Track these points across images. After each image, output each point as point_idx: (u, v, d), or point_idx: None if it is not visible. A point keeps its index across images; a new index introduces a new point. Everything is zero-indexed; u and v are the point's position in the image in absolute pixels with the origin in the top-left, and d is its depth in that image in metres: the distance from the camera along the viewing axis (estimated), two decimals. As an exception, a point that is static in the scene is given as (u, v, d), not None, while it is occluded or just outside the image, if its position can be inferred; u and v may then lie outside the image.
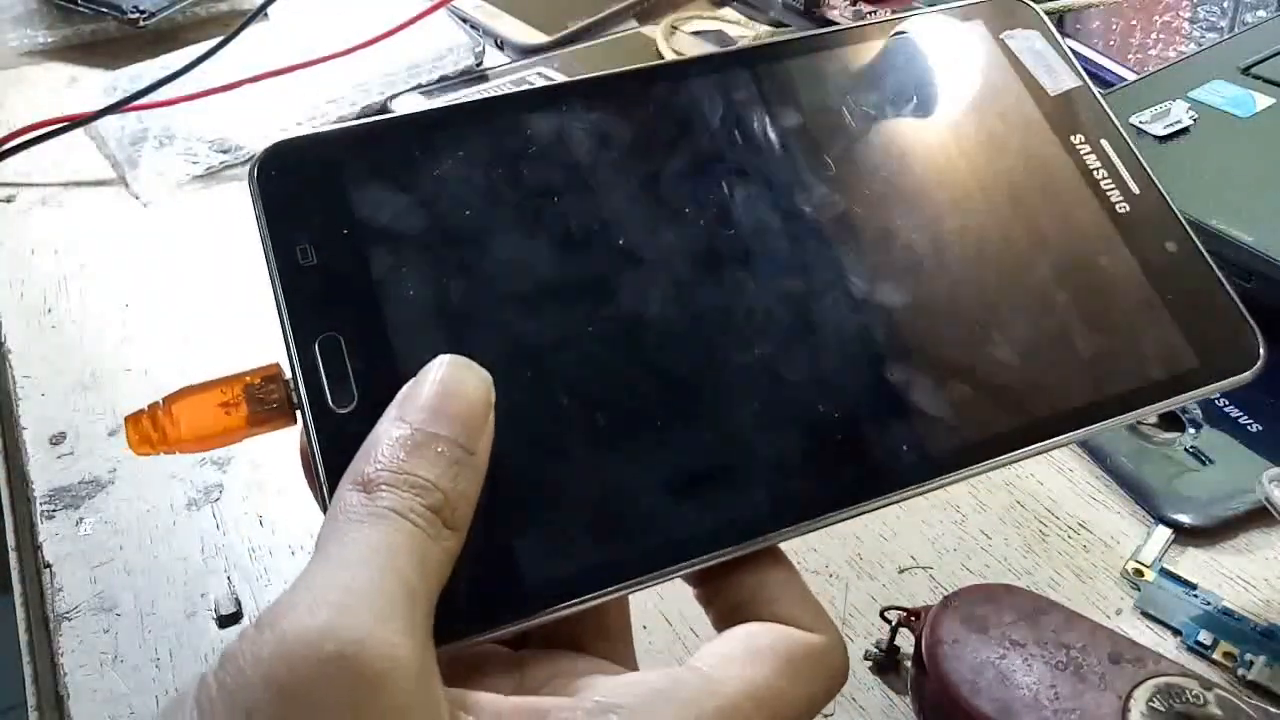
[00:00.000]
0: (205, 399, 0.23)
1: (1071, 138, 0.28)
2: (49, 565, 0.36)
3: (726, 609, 0.23)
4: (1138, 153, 0.27)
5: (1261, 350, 0.25)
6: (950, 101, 0.28)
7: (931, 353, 0.24)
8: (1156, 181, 0.27)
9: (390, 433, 0.21)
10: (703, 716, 0.20)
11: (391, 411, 0.21)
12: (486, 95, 0.27)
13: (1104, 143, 0.27)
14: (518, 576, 0.21)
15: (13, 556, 0.40)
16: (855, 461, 0.23)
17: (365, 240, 0.23)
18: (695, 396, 0.23)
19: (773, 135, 0.27)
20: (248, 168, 0.24)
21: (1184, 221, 0.27)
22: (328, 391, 0.22)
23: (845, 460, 0.23)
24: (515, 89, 0.27)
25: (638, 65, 0.27)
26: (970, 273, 0.26)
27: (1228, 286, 0.26)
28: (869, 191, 0.26)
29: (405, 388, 0.21)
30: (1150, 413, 0.25)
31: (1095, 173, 0.27)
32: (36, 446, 0.40)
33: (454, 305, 0.23)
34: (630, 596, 0.25)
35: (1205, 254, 0.26)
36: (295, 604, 0.18)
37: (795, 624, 0.22)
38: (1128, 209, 0.27)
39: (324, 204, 0.24)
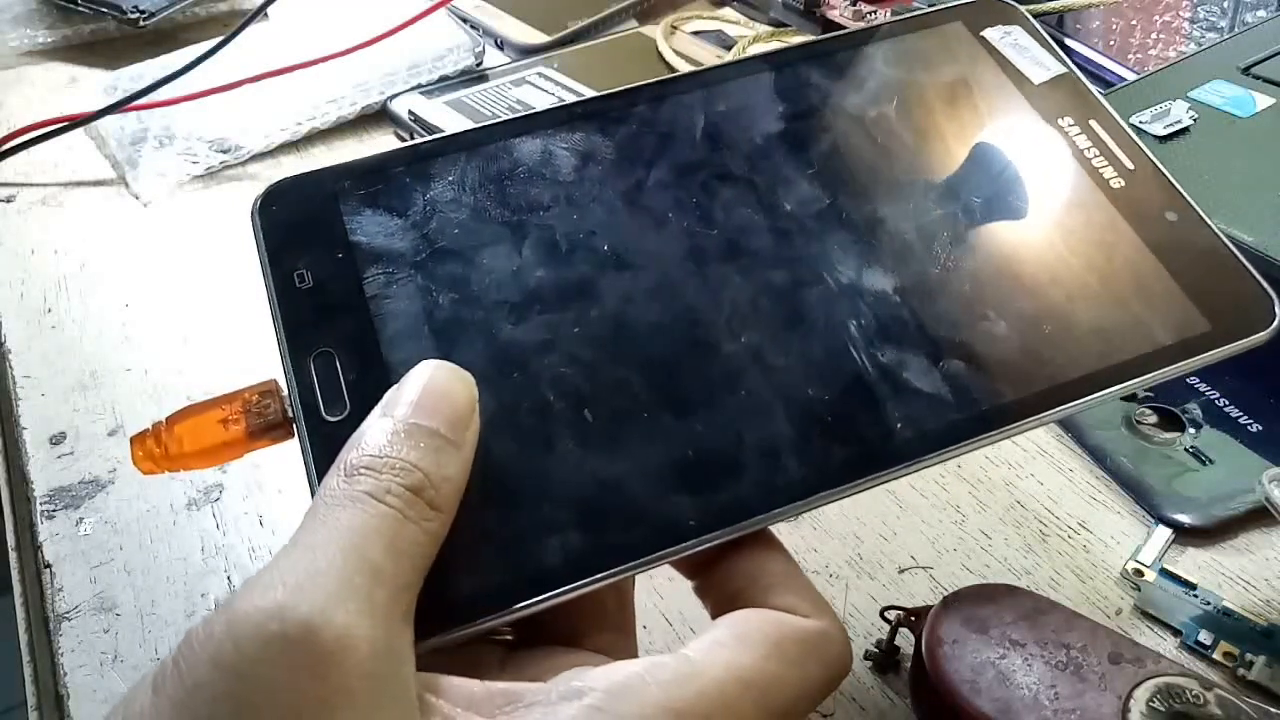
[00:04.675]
0: (206, 417, 0.24)
1: (1060, 121, 0.28)
2: (49, 565, 0.36)
3: (722, 599, 0.23)
4: (1129, 130, 0.28)
5: (1277, 310, 0.25)
6: (933, 96, 0.29)
7: (925, 334, 0.25)
8: (1151, 156, 0.27)
9: (375, 425, 0.21)
10: (682, 699, 0.19)
11: (377, 409, 0.22)
12: (465, 128, 0.28)
13: (1093, 123, 0.28)
14: (499, 570, 0.22)
15: (13, 556, 0.40)
16: (847, 441, 0.23)
17: (357, 263, 0.25)
18: (682, 385, 0.24)
19: (759, 139, 0.28)
20: (250, 206, 0.25)
21: (1183, 192, 0.27)
22: (321, 403, 0.23)
23: (836, 440, 0.23)
24: (500, 118, 0.28)
25: (609, 91, 0.29)
26: (963, 257, 0.26)
27: (1234, 251, 0.26)
28: (858, 188, 0.27)
29: (391, 389, 0.22)
30: (1163, 377, 0.24)
31: (1086, 152, 0.27)
32: (36, 446, 0.40)
33: (442, 318, 0.24)
34: (632, 597, 0.25)
35: (1208, 221, 0.26)
36: (254, 585, 0.18)
37: (791, 611, 0.22)
38: (1123, 184, 0.27)
39: (318, 233, 0.25)
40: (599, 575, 0.22)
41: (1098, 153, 0.27)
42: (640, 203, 0.27)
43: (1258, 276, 0.26)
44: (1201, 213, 0.26)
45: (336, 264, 0.25)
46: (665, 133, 0.28)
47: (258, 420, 0.23)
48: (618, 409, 0.23)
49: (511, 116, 0.28)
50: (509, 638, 0.24)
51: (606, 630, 0.24)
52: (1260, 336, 0.25)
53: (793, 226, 0.26)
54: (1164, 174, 0.27)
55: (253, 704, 0.17)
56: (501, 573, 0.22)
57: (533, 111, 0.28)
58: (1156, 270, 0.26)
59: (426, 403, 0.22)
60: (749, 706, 0.20)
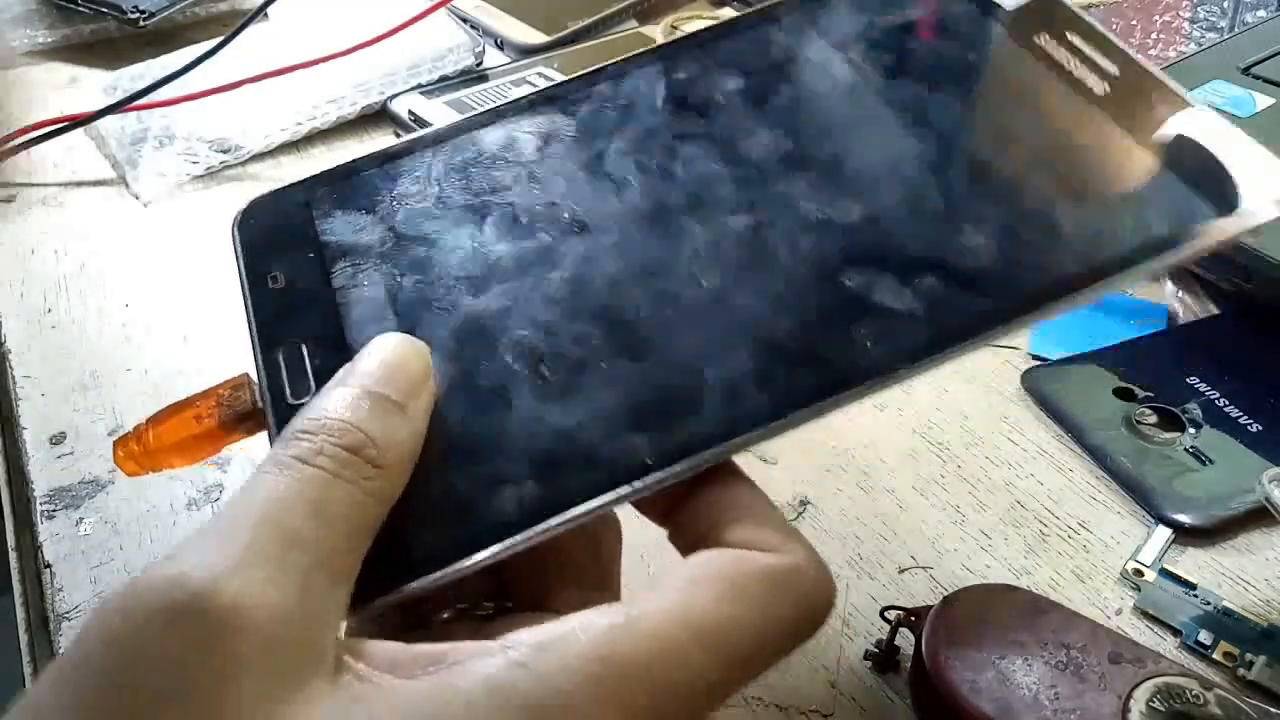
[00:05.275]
0: (183, 416, 0.24)
1: (1036, 39, 0.28)
2: (49, 565, 0.36)
3: (689, 543, 0.22)
4: (1111, 36, 0.27)
5: None
6: (904, 34, 0.29)
7: (896, 254, 0.24)
8: (1135, 55, 0.27)
9: (323, 394, 0.21)
10: (614, 647, 0.18)
11: (330, 382, 0.22)
12: (425, 130, 0.30)
13: (1071, 36, 0.28)
14: (449, 524, 0.22)
15: (13, 556, 0.40)
16: (807, 364, 0.23)
17: (324, 260, 0.27)
18: (637, 330, 0.24)
19: (723, 92, 0.28)
20: (230, 222, 0.28)
21: (1175, 86, 0.26)
22: (288, 390, 0.24)
23: (795, 364, 0.23)
24: (461, 116, 0.30)
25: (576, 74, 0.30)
26: (937, 177, 0.26)
27: (1239, 133, 0.25)
28: (825, 124, 0.28)
29: (347, 364, 0.22)
30: (1172, 264, 0.24)
31: (1066, 64, 0.27)
32: (36, 446, 0.40)
33: (406, 300, 0.25)
34: (613, 552, 0.25)
35: (1206, 110, 0.26)
36: (163, 558, 0.18)
37: (756, 547, 0.20)
38: (1108, 89, 0.26)
39: (289, 237, 0.27)
40: (550, 522, 0.21)
41: (1079, 63, 0.27)
42: (596, 169, 0.27)
43: (1269, 155, 0.24)
44: (1197, 104, 0.26)
45: (305, 263, 0.26)
46: (625, 104, 0.29)
47: (229, 412, 0.24)
48: (576, 361, 0.24)
49: (467, 115, 0.30)
50: (489, 611, 0.24)
51: (583, 588, 0.23)
52: (1271, 212, 0.23)
53: (755, 166, 0.27)
54: (1152, 73, 0.27)
55: (134, 676, 0.17)
56: (452, 527, 0.22)
57: (487, 108, 0.30)
58: (1151, 165, 0.25)
59: (376, 370, 0.22)
60: (697, 652, 0.18)
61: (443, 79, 0.59)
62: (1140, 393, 0.40)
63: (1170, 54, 0.61)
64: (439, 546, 0.21)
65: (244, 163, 0.56)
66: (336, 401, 0.21)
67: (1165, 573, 0.34)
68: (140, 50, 0.63)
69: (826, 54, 0.29)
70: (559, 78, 0.59)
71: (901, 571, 0.35)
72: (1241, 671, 0.31)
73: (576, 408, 0.23)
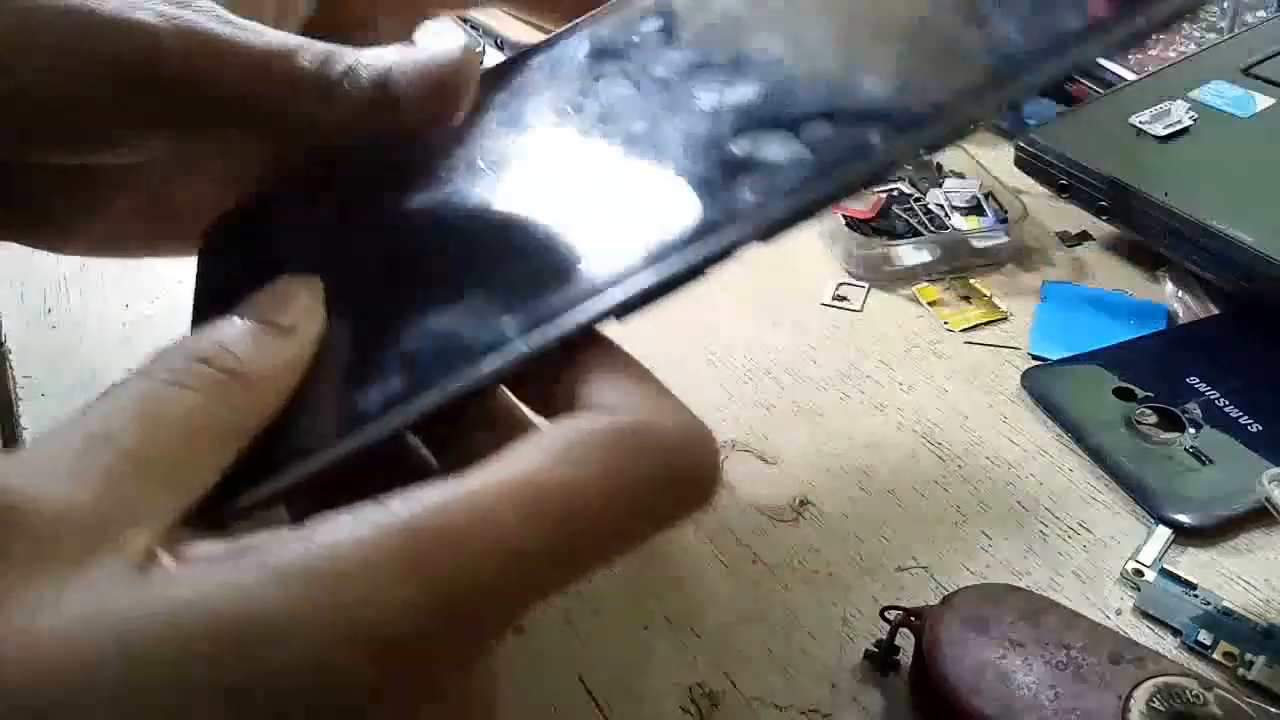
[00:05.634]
0: None
1: None
2: (49, 565, 0.36)
3: None
4: None
5: None
6: None
7: (783, 115, 0.23)
8: None
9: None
10: (426, 512, 0.17)
11: None
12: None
13: None
14: (309, 425, 0.22)
15: (13, 556, 0.39)
16: (682, 224, 0.22)
17: (258, 254, 0.29)
18: (509, 222, 0.25)
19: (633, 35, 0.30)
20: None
21: None
22: None
23: (670, 225, 0.22)
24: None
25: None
26: (815, 41, 0.25)
27: None
28: (722, 30, 0.28)
29: None
30: (1100, 51, 0.21)
31: None
32: (36, 446, 0.40)
33: (324, 261, 0.26)
34: None
35: None
36: None
37: (613, 410, 0.19)
38: None
39: (236, 240, 0.30)
40: (410, 410, 0.21)
41: None
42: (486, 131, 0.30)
43: None
44: None
45: (243, 257, 0.29)
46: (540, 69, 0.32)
47: None
48: (451, 262, 0.24)
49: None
50: None
51: None
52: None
53: (656, 80, 0.27)
54: None
55: None
56: (304, 428, 0.22)
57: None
58: None
59: (260, 302, 0.22)
60: (511, 515, 0.17)
61: (443, 79, 0.59)
62: (1140, 393, 0.40)
63: (1170, 54, 0.61)
64: (292, 447, 0.21)
65: (244, 163, 0.56)
66: (204, 327, 0.21)
67: (1165, 573, 0.34)
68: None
69: None
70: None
71: (901, 571, 0.35)
72: (1241, 671, 0.31)
73: (446, 302, 0.23)
